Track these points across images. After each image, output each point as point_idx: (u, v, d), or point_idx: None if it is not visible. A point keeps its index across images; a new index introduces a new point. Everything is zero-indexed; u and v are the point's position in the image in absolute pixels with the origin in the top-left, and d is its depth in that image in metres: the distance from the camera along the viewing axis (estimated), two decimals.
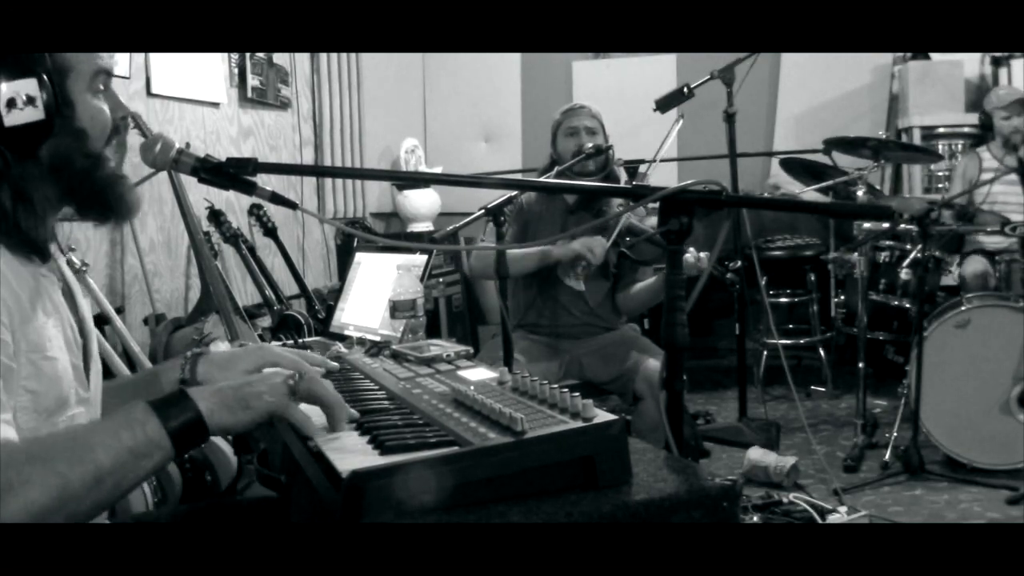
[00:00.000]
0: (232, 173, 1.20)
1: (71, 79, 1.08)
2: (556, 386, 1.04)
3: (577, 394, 0.99)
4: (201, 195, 3.46)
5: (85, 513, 0.92)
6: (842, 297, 4.19)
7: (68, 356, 1.11)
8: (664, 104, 3.45)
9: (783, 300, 4.58)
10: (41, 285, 1.10)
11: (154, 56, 3.54)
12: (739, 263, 3.47)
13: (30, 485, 0.87)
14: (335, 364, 1.39)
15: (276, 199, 1.23)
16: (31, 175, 1.07)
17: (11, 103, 1.02)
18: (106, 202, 1.15)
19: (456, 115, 5.61)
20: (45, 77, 1.04)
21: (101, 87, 1.13)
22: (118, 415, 0.98)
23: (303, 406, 1.07)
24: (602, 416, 0.96)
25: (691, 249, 2.50)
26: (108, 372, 2.45)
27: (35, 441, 0.99)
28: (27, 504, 0.86)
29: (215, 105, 4.00)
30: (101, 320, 2.86)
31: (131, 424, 0.96)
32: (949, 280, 3.90)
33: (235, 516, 1.44)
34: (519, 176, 5.18)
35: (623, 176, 2.93)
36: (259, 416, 1.03)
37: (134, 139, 1.18)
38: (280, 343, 1.70)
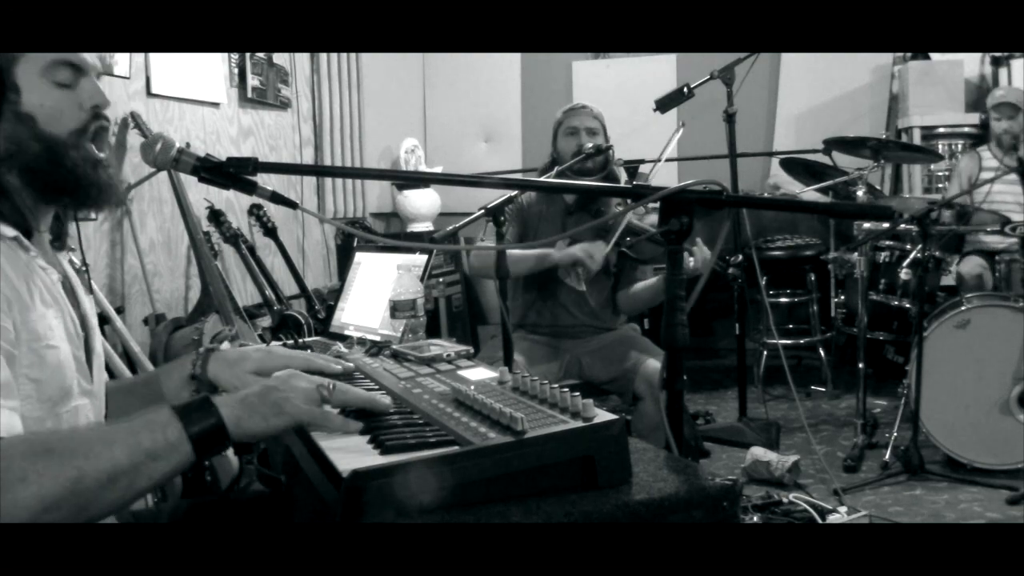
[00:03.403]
0: (232, 172, 1.20)
1: (19, 66, 1.09)
2: (556, 386, 1.04)
3: (577, 394, 0.99)
4: (201, 195, 3.46)
5: (97, 510, 0.92)
6: (842, 297, 4.18)
7: (70, 347, 1.12)
8: (664, 104, 3.45)
9: (783, 300, 4.58)
10: (38, 276, 1.11)
11: (154, 56, 3.53)
12: (740, 258, 3.47)
13: (46, 476, 0.87)
14: (338, 367, 1.32)
15: (276, 199, 1.23)
16: None
17: None
18: (67, 187, 1.14)
19: (456, 115, 5.61)
20: None
21: (66, 78, 1.13)
22: (140, 417, 0.98)
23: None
24: (602, 416, 0.96)
25: (698, 240, 2.52)
26: (108, 372, 2.45)
27: (55, 433, 1.00)
28: (40, 495, 0.86)
29: (215, 105, 4.00)
30: (101, 320, 2.86)
31: (152, 427, 0.96)
32: (949, 280, 3.90)
33: (235, 512, 1.44)
34: (519, 176, 5.18)
35: (623, 176, 2.93)
36: (292, 422, 1.02)
37: (134, 139, 1.18)
38: (280, 343, 1.70)
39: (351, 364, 1.38)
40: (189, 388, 1.27)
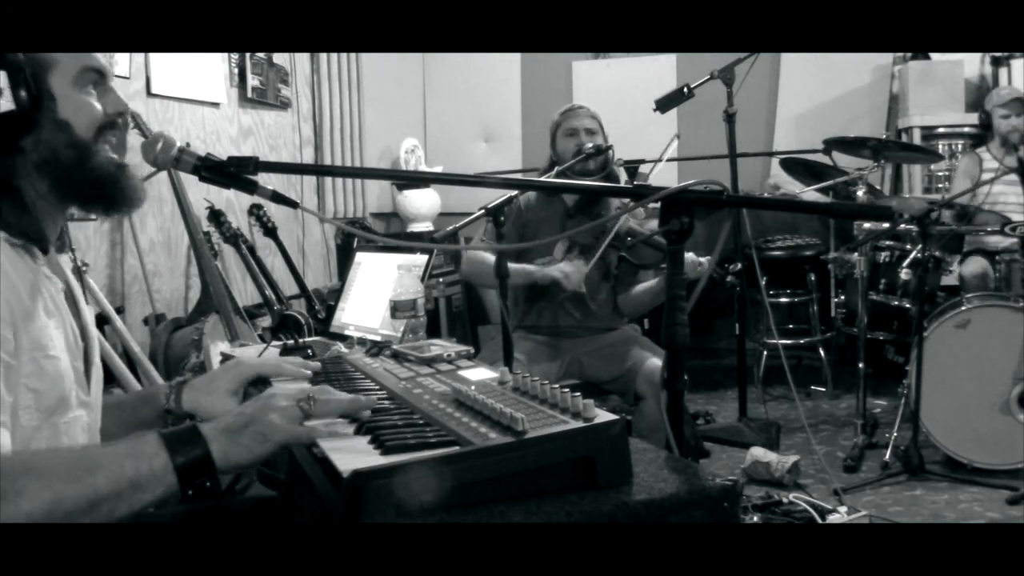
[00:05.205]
0: (233, 172, 1.20)
1: (54, 74, 1.10)
2: (557, 386, 1.03)
3: (578, 394, 0.99)
4: (201, 195, 3.46)
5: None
6: (842, 297, 4.18)
7: (69, 358, 1.11)
8: (664, 104, 3.44)
9: (783, 300, 4.58)
10: (42, 284, 1.10)
11: (154, 56, 3.54)
12: (739, 266, 3.46)
13: (23, 496, 0.87)
14: (308, 372, 1.37)
15: (277, 198, 1.24)
16: (18, 170, 1.09)
17: None
18: (102, 192, 1.15)
19: (456, 115, 5.61)
20: (22, 71, 1.05)
21: (91, 84, 1.14)
22: (128, 443, 0.97)
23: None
24: (603, 416, 0.96)
25: (691, 254, 2.52)
26: (108, 373, 2.45)
27: (39, 453, 0.99)
28: (16, 515, 0.86)
29: (215, 105, 4.00)
30: (101, 320, 2.86)
31: (139, 456, 0.95)
32: (949, 280, 3.90)
33: (235, 516, 1.44)
34: (519, 176, 5.17)
35: (623, 176, 2.93)
36: (277, 447, 1.02)
37: (134, 139, 1.19)
38: (280, 343, 1.69)
39: (316, 364, 1.43)
40: (165, 421, 1.29)
